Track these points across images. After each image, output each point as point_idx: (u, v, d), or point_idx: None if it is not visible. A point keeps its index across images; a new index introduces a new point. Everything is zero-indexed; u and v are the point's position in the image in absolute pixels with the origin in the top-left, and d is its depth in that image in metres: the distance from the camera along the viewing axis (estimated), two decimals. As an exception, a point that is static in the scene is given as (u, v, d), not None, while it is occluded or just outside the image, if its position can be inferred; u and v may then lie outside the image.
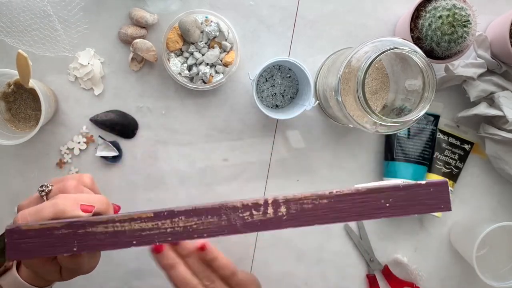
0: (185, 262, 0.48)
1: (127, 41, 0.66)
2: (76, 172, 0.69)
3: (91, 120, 0.68)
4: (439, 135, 0.70)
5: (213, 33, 0.64)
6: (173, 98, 0.69)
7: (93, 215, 0.42)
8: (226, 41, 0.65)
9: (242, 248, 0.71)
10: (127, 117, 0.68)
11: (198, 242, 0.47)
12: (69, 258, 0.44)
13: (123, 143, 0.69)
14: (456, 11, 0.57)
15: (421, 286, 0.72)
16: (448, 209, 0.41)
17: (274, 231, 0.44)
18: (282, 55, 0.69)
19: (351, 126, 0.58)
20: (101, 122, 0.68)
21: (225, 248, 0.71)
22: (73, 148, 0.68)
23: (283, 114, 0.65)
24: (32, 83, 0.60)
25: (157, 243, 0.39)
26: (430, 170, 0.69)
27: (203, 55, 0.65)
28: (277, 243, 0.72)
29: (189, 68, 0.65)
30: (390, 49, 0.53)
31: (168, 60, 0.65)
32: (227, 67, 0.65)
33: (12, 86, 0.66)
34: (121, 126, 0.68)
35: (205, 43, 0.65)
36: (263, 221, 0.39)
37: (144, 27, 0.67)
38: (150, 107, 0.69)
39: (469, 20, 0.58)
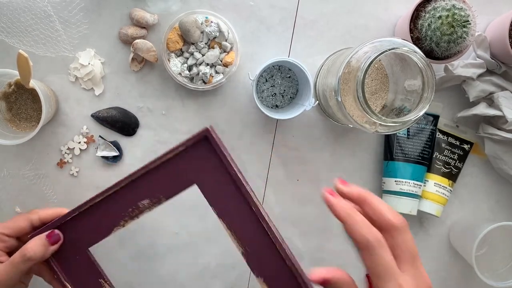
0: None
1: (127, 42, 0.67)
2: (77, 172, 0.69)
3: (92, 116, 0.68)
4: (439, 135, 0.70)
5: (213, 33, 0.64)
6: (174, 98, 0.69)
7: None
8: (226, 41, 0.65)
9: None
10: (128, 115, 0.68)
11: None
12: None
13: (124, 143, 0.69)
14: (456, 11, 0.58)
15: (420, 286, 0.72)
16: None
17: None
18: (282, 55, 0.69)
19: (351, 126, 0.58)
20: (102, 119, 0.68)
21: (225, 248, 0.71)
22: (73, 148, 0.69)
23: (283, 114, 0.65)
24: (33, 83, 0.60)
25: None
26: (429, 170, 0.70)
27: (203, 55, 0.65)
28: (277, 242, 0.72)
29: (189, 68, 0.65)
30: (389, 50, 0.53)
31: (169, 60, 0.65)
32: (227, 67, 0.66)
33: (12, 86, 0.66)
34: (122, 123, 0.68)
35: (205, 44, 0.65)
36: None
37: (144, 28, 0.67)
38: (150, 107, 0.69)
39: (468, 21, 0.58)
